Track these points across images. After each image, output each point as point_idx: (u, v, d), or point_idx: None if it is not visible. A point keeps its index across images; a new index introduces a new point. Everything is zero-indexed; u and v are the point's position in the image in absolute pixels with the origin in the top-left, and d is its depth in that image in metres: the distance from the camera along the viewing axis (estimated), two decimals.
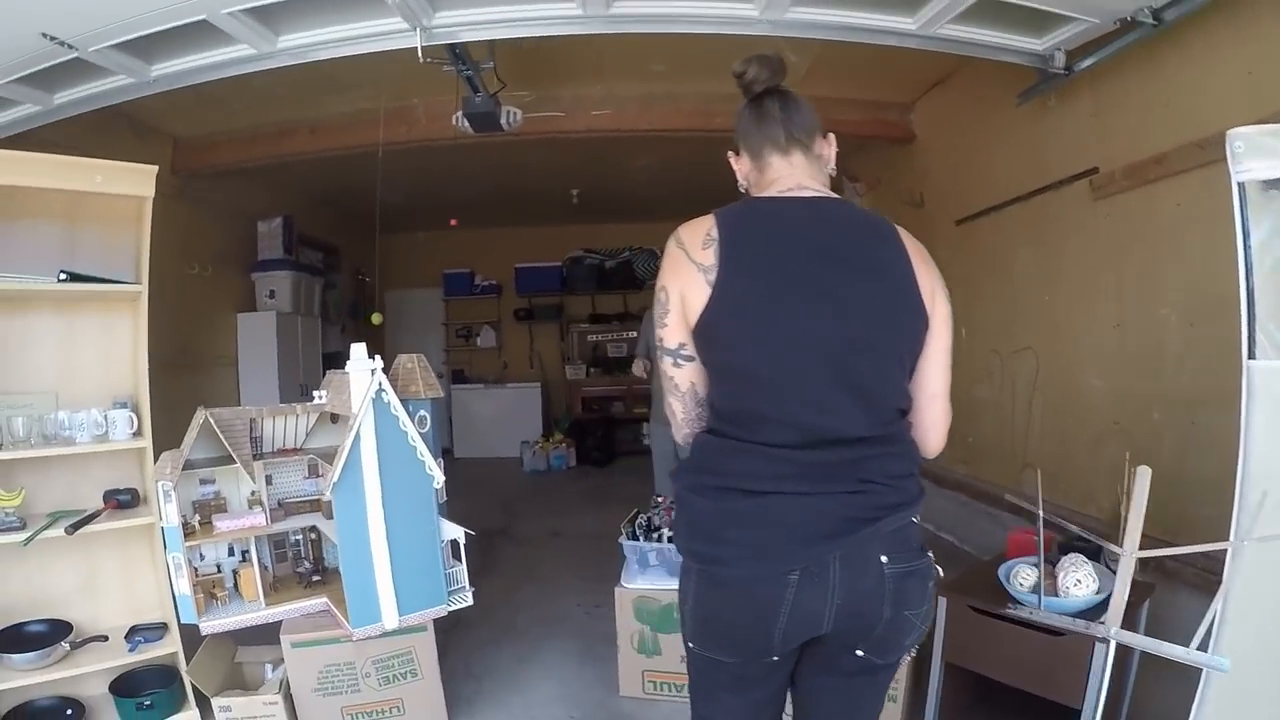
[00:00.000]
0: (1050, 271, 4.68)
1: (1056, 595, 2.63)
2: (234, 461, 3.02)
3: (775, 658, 1.68)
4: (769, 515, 1.57)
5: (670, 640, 3.52)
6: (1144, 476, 2.16)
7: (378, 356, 2.85)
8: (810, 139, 1.79)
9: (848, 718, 1.84)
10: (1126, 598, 2.24)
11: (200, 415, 2.98)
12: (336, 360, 8.61)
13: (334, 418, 3.38)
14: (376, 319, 6.09)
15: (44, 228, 3.56)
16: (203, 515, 3.20)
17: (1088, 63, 3.72)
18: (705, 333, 1.63)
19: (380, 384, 2.80)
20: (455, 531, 3.16)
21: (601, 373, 10.94)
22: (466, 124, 4.60)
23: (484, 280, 11.26)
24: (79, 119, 4.08)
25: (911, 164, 6.46)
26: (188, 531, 3.06)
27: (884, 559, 1.57)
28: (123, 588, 3.63)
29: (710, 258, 1.61)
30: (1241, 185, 2.02)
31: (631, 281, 11.24)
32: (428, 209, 9.16)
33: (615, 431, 10.35)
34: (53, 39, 3.21)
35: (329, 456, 3.23)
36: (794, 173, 1.75)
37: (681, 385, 1.71)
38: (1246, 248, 2.03)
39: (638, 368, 5.67)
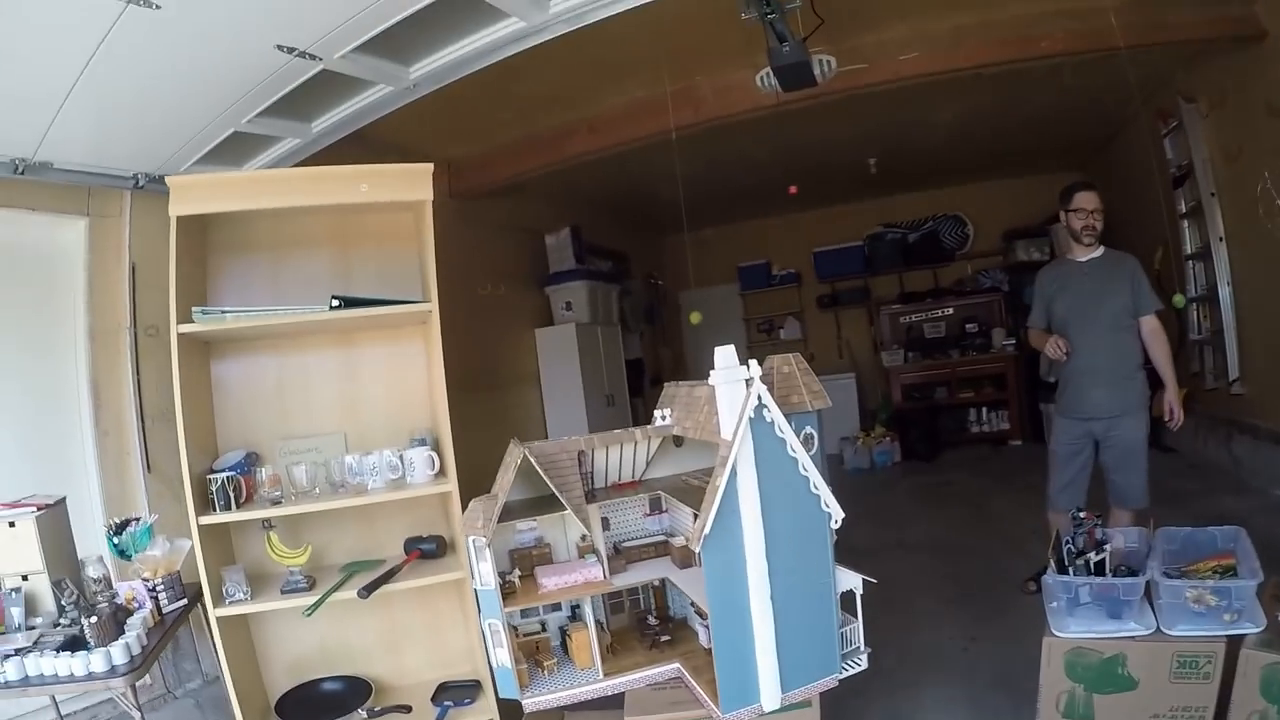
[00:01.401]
0: None
1: None
2: (561, 506, 2.24)
3: None
4: None
5: (1107, 703, 2.62)
6: None
7: (754, 363, 2.00)
8: None
9: None
10: None
11: (516, 452, 2.25)
12: (638, 368, 8.44)
13: (678, 441, 2.64)
14: (696, 318, 5.55)
15: (314, 257, 3.19)
16: (523, 567, 2.51)
17: None
18: None
19: (760, 398, 1.94)
20: (852, 580, 2.28)
21: (920, 356, 9.68)
22: (774, 82, 3.95)
23: (781, 270, 10.58)
24: (347, 156, 3.67)
25: (1267, 66, 5.08)
26: (507, 591, 2.38)
27: None
28: (429, 640, 3.23)
29: None
30: None
31: (939, 254, 10.05)
32: (715, 202, 8.51)
33: (940, 421, 9.17)
34: (290, 50, 2.76)
35: (675, 490, 2.52)
36: None
37: None
38: None
39: (1053, 348, 3.96)
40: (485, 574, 2.27)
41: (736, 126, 5.27)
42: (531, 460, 2.25)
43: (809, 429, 2.12)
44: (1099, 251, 4.02)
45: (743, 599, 2.07)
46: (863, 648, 2.39)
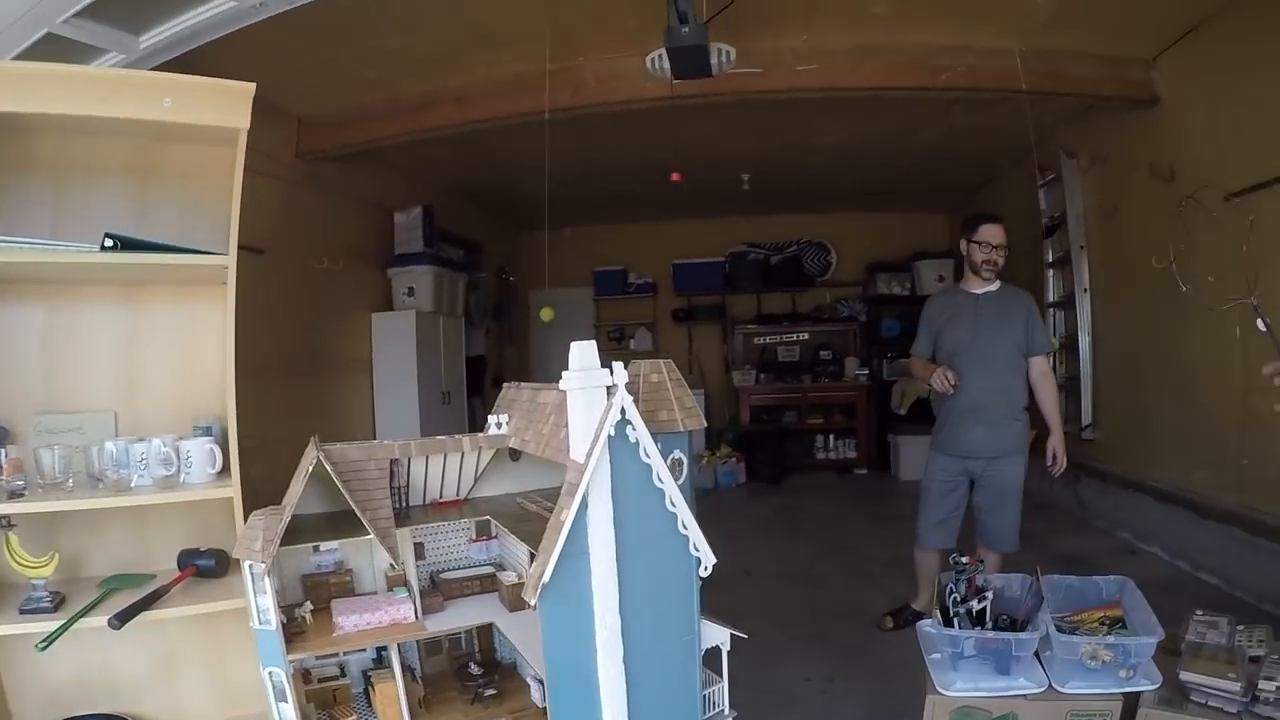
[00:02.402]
0: None
1: None
2: (363, 526, 1.67)
3: None
4: None
5: None
6: None
7: (618, 366, 1.49)
8: None
9: None
10: None
11: (310, 454, 1.66)
12: (479, 365, 7.57)
13: (514, 454, 2.10)
14: (548, 314, 4.93)
15: (104, 189, 2.51)
16: (318, 598, 1.94)
17: None
18: None
19: (624, 411, 1.42)
20: (719, 635, 1.81)
21: (772, 379, 9.39)
22: (665, 65, 3.59)
23: (639, 278, 10.03)
24: None
25: (1155, 131, 5.17)
26: (294, 630, 1.80)
27: None
28: (211, 673, 2.59)
29: None
30: None
31: (800, 278, 9.82)
32: (580, 201, 7.96)
33: (787, 444, 8.88)
34: None
35: (508, 515, 1.99)
36: None
37: None
38: None
39: (939, 380, 3.61)
40: (265, 610, 1.71)
41: (614, 118, 4.89)
42: (328, 468, 1.67)
43: (678, 453, 1.62)
44: (995, 285, 3.78)
45: (588, 661, 1.56)
46: (727, 711, 1.92)
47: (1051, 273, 6.62)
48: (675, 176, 6.06)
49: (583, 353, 1.49)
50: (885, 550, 3.83)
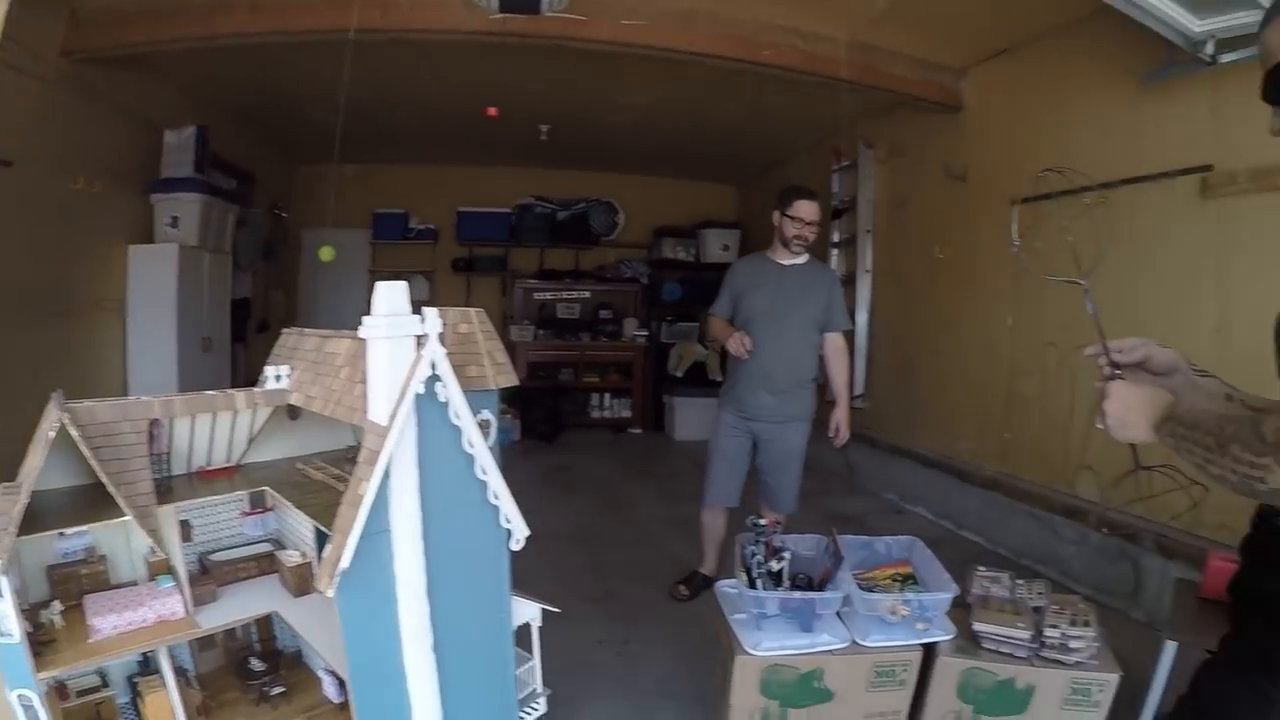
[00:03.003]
0: (1136, 267, 4.02)
1: None
2: (119, 509, 1.38)
3: None
4: None
5: (802, 716, 2.42)
6: None
7: (432, 313, 1.25)
8: None
9: None
10: None
11: (53, 416, 1.35)
12: (244, 309, 6.76)
13: (293, 411, 1.82)
14: (328, 254, 4.34)
15: None
16: (67, 594, 1.60)
17: (1232, 57, 3.38)
18: None
19: (434, 366, 1.21)
20: (530, 611, 1.66)
21: (551, 335, 9.15)
22: None
23: (420, 224, 9.29)
24: None
25: (955, 135, 5.50)
26: (40, 640, 1.47)
27: None
28: None
29: None
30: None
31: (586, 236, 9.53)
32: (366, 136, 7.24)
33: (563, 402, 8.71)
34: None
35: (288, 483, 1.73)
36: None
37: None
38: None
39: (736, 344, 3.58)
40: (5, 619, 1.38)
41: (420, 48, 4.56)
42: (73, 432, 1.36)
43: (486, 413, 1.47)
44: (803, 259, 3.78)
45: (394, 653, 1.39)
46: (540, 690, 1.79)
47: (836, 252, 6.91)
48: (491, 111, 5.73)
49: (391, 294, 1.27)
50: (665, 509, 3.78)
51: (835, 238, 6.86)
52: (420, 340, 1.27)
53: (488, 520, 1.43)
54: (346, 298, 8.73)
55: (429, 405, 1.28)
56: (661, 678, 3.09)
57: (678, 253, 9.17)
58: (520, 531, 1.47)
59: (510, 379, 1.51)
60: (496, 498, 1.41)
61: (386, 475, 1.25)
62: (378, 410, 1.26)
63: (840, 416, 3.81)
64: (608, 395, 9.02)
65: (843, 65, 4.43)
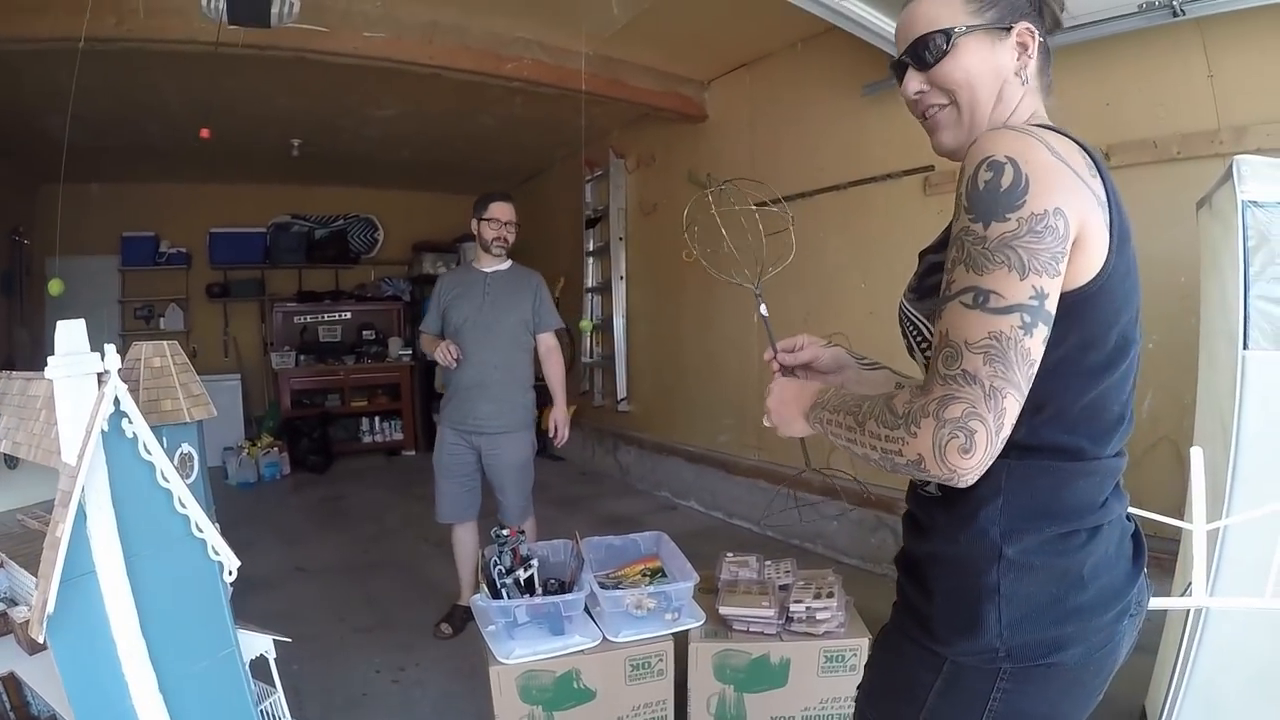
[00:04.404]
0: (867, 259, 4.50)
1: None
2: None
3: None
4: (1109, 553, 1.10)
5: (568, 717, 2.53)
6: (1198, 456, 2.04)
7: (110, 349, 1.28)
8: None
9: None
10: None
11: None
12: None
13: (9, 460, 1.78)
14: (56, 288, 3.96)
15: None
16: None
17: None
18: (1093, 294, 1.02)
19: (117, 400, 1.24)
20: (262, 643, 1.69)
21: (314, 360, 8.80)
22: (223, 7, 3.15)
23: (171, 247, 8.65)
24: None
25: (699, 144, 5.92)
26: None
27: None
28: None
29: (1100, 189, 1.02)
30: (1244, 203, 2.10)
31: (345, 255, 9.35)
32: (111, 152, 6.73)
33: (331, 429, 8.44)
34: None
35: (11, 537, 1.73)
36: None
37: (1034, 367, 0.96)
38: (1245, 253, 2.11)
39: (443, 354, 3.66)
40: None
41: (160, 59, 4.31)
42: None
43: (187, 446, 1.48)
44: (506, 264, 3.88)
45: (121, 697, 1.37)
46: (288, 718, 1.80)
47: (591, 260, 7.18)
48: (205, 133, 5.41)
49: (69, 333, 1.28)
50: (436, 532, 3.80)
51: (589, 246, 7.13)
52: (101, 378, 1.29)
53: (195, 553, 1.44)
54: (98, 331, 8.06)
55: (117, 442, 1.29)
56: (438, 700, 3.15)
57: (438, 267, 9.07)
58: (231, 563, 1.48)
59: (208, 411, 1.51)
60: (200, 530, 1.43)
61: (83, 516, 1.25)
62: (68, 451, 1.26)
63: (558, 415, 3.89)
64: (378, 418, 8.85)
65: (585, 78, 4.59)
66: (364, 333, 9.12)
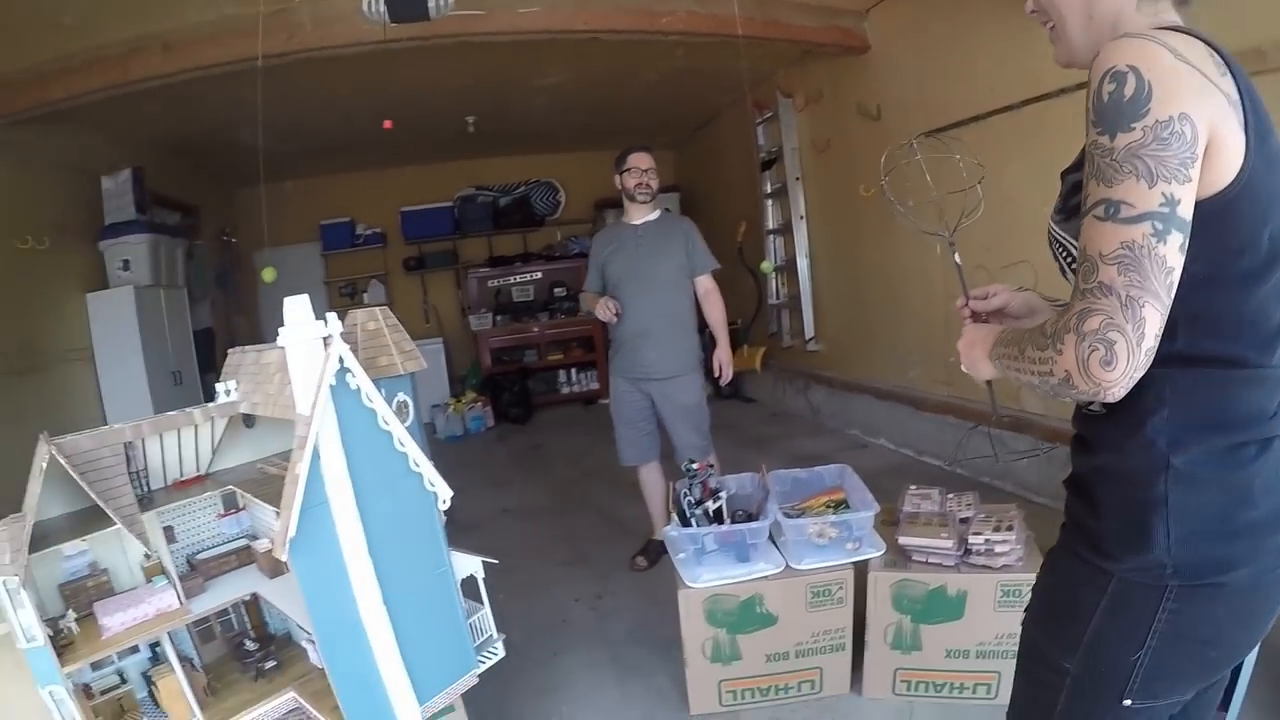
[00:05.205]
0: (1048, 182, 4.16)
1: None
2: (109, 519, 1.69)
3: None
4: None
5: (750, 641, 2.69)
6: None
7: (332, 316, 1.56)
8: None
9: (1212, 708, 1.32)
10: None
11: (43, 452, 1.65)
12: (208, 339, 7.06)
13: (248, 419, 2.11)
14: (270, 275, 4.55)
15: None
16: (79, 605, 1.88)
17: None
18: (1236, 197, 1.00)
19: (341, 360, 1.53)
20: (471, 564, 1.97)
21: (509, 320, 9.45)
22: (383, 10, 3.50)
23: (366, 229, 9.55)
24: None
25: (865, 76, 5.77)
26: (63, 642, 1.75)
27: None
28: None
29: (1231, 88, 1.00)
30: None
31: (530, 219, 9.87)
32: (300, 152, 7.53)
33: (530, 383, 9.03)
34: None
35: (252, 482, 2.02)
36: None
37: (1173, 274, 0.96)
38: None
39: (603, 310, 3.85)
40: (29, 626, 1.67)
41: (332, 64, 4.70)
42: (62, 461, 1.67)
43: (402, 396, 1.77)
44: (655, 214, 3.99)
45: (350, 608, 1.69)
46: (496, 635, 2.11)
47: (770, 203, 7.21)
48: (387, 124, 5.90)
49: (296, 307, 1.57)
50: (629, 473, 4.08)
51: (766, 189, 7.16)
52: (326, 341, 1.56)
53: (414, 486, 1.74)
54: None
55: (343, 394, 1.57)
56: (632, 626, 3.42)
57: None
58: (444, 493, 1.77)
59: (418, 364, 1.81)
60: (417, 465, 1.71)
61: (317, 456, 1.54)
62: (302, 404, 1.55)
63: (722, 355, 3.96)
64: (574, 370, 9.35)
65: (740, 22, 4.60)
66: (555, 290, 9.61)
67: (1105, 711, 1.15)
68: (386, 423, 1.64)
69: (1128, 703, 1.13)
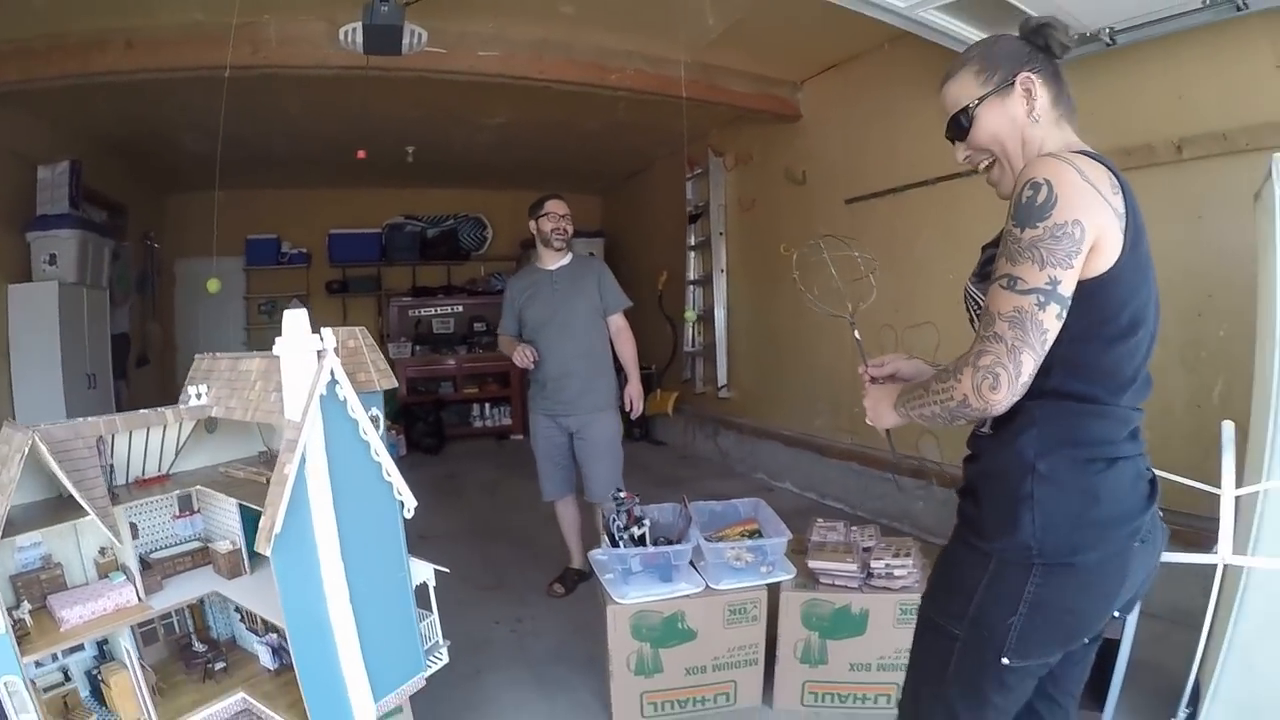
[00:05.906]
0: (957, 251, 4.59)
1: None
2: (71, 512, 1.76)
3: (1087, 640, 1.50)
4: (1124, 481, 1.39)
5: (671, 655, 2.88)
6: (1229, 429, 2.28)
7: (328, 331, 1.70)
8: None
9: (1080, 683, 1.67)
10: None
11: (20, 439, 1.72)
12: (123, 344, 6.88)
13: (210, 424, 2.20)
14: (214, 286, 4.45)
15: None
16: (32, 597, 1.90)
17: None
18: (1108, 282, 1.34)
19: (333, 373, 1.66)
20: (425, 571, 2.09)
21: (428, 351, 9.49)
22: (358, 39, 3.65)
23: (292, 248, 9.46)
24: None
25: (794, 142, 6.20)
26: (18, 634, 1.78)
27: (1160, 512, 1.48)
28: None
29: (1120, 205, 1.33)
30: None
31: (456, 252, 10.00)
32: (235, 163, 7.26)
33: (444, 415, 9.07)
34: None
35: (214, 484, 2.10)
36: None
37: (1048, 334, 1.30)
38: None
39: (520, 357, 3.97)
40: None
41: (286, 80, 4.75)
42: (43, 450, 1.73)
43: (375, 410, 1.89)
44: (567, 259, 4.15)
45: (320, 605, 1.79)
46: (441, 641, 2.23)
47: (693, 254, 7.53)
48: (361, 154, 5.99)
49: (295, 320, 1.71)
50: (545, 507, 4.20)
51: (691, 241, 7.45)
52: (320, 354, 1.70)
53: (384, 494, 1.86)
54: (225, 325, 8.93)
55: (331, 404, 1.69)
56: (552, 647, 3.53)
57: None
58: (410, 503, 1.90)
59: (391, 381, 1.94)
60: (389, 475, 1.84)
61: (303, 459, 1.65)
62: (293, 410, 1.68)
63: (632, 390, 4.15)
64: (488, 405, 9.42)
65: (684, 85, 4.88)
66: (475, 324, 9.69)
67: (988, 666, 1.42)
68: (366, 433, 1.77)
69: (1005, 661, 1.40)
